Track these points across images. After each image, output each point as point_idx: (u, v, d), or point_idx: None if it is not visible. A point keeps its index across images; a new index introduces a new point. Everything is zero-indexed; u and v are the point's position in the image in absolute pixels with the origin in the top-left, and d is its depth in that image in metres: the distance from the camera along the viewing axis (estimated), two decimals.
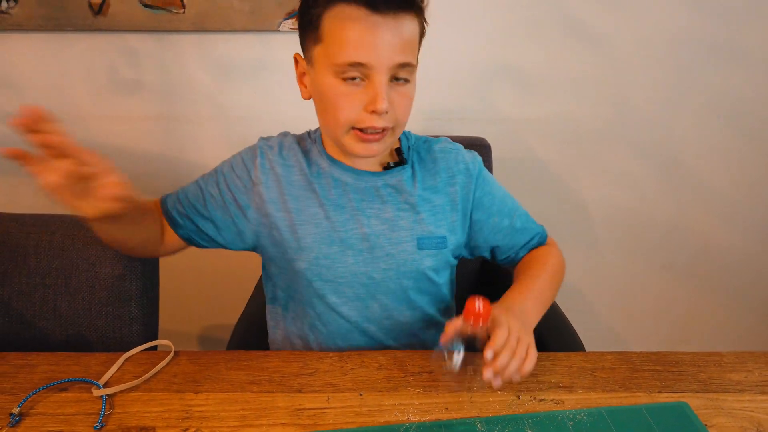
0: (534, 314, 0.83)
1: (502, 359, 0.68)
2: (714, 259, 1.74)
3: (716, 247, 1.72)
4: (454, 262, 0.97)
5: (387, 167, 0.91)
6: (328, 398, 0.75)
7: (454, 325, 0.71)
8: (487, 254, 0.98)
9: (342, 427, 0.71)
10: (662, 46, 1.47)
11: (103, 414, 0.71)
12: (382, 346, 0.93)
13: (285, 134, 0.94)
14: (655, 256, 1.73)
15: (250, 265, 1.43)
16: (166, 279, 1.65)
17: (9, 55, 1.42)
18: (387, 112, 0.77)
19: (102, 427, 0.69)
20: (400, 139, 0.93)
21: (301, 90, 0.86)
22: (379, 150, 0.82)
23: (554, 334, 0.98)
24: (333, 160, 0.89)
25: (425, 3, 0.80)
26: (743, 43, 1.47)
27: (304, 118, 1.51)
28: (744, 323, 1.84)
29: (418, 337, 0.95)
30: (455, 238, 0.93)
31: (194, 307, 1.74)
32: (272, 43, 1.43)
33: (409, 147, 0.93)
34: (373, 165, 0.90)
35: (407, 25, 0.77)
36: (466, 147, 0.97)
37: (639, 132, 1.56)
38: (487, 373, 0.68)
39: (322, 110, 0.83)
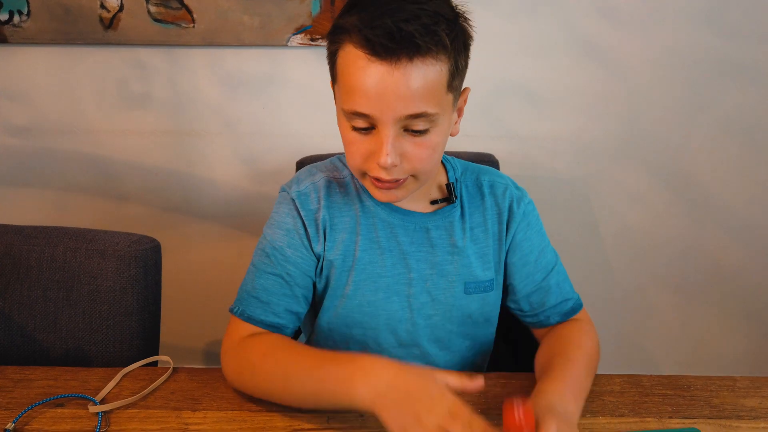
0: (577, 411, 0.70)
1: None
2: (728, 282, 1.71)
3: (730, 269, 1.69)
4: (500, 300, 0.90)
5: (434, 202, 0.84)
6: (328, 418, 0.73)
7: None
8: (513, 306, 0.90)
9: None
10: (674, 64, 1.46)
11: (99, 430, 0.69)
12: None
13: (311, 172, 0.85)
14: (668, 277, 1.70)
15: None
16: (169, 293, 1.65)
17: (21, 68, 1.43)
18: (395, 166, 0.70)
19: None
20: (446, 170, 0.86)
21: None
22: (403, 196, 0.75)
23: None
24: (381, 204, 0.82)
25: (457, 38, 0.69)
26: (756, 61, 1.45)
27: (312, 134, 1.52)
28: (760, 348, 1.80)
29: None
30: (501, 279, 0.88)
31: (197, 322, 1.73)
32: (281, 57, 1.44)
33: (456, 179, 0.85)
34: (421, 201, 0.83)
35: (422, 71, 0.66)
36: (473, 162, 0.92)
37: (651, 150, 1.54)
38: None
39: (344, 145, 0.76)
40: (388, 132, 0.68)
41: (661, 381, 0.81)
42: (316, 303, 0.87)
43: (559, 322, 0.87)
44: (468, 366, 0.92)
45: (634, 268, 1.68)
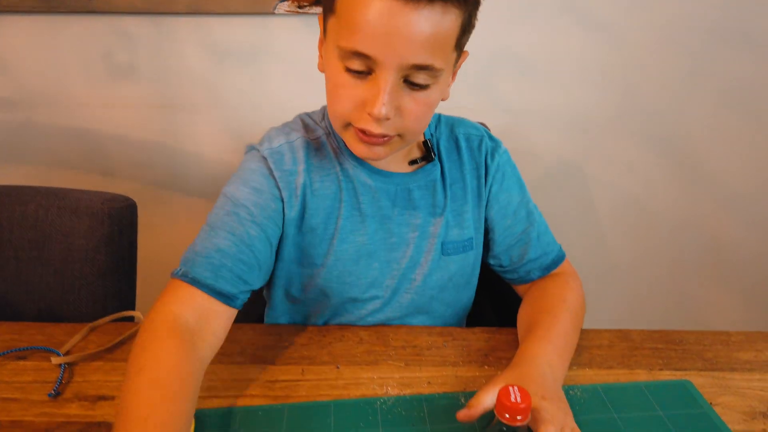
0: (563, 374, 0.66)
1: None
2: (724, 255, 1.67)
3: (727, 242, 1.65)
4: (480, 260, 0.86)
5: (413, 161, 0.78)
6: (303, 371, 0.70)
7: (476, 409, 0.58)
8: (493, 261, 0.85)
9: (315, 399, 0.66)
10: (673, 33, 1.42)
11: (60, 382, 0.66)
12: None
13: (285, 132, 0.77)
14: (663, 251, 1.66)
15: None
16: (154, 268, 1.62)
17: (1, 38, 1.40)
18: (388, 119, 0.63)
19: (57, 395, 0.65)
20: None
21: (318, 59, 0.71)
22: (385, 153, 0.68)
23: None
24: (357, 160, 0.75)
25: None
26: (756, 30, 1.41)
27: (301, 107, 1.49)
28: (756, 322, 1.76)
29: None
30: (481, 237, 0.83)
31: None
32: (269, 26, 1.40)
33: (431, 134, 0.80)
34: (401, 161, 0.78)
35: (439, 18, 0.59)
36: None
37: (648, 122, 1.51)
38: None
39: (327, 94, 0.68)
40: (388, 79, 0.61)
41: (651, 335, 0.78)
42: (291, 272, 0.79)
43: (540, 277, 0.82)
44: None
45: (629, 242, 1.65)
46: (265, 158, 0.73)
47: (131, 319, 0.80)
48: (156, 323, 0.62)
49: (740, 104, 1.48)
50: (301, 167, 0.74)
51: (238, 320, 0.92)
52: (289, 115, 1.49)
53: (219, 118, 1.51)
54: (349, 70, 0.62)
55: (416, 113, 0.65)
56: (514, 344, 0.75)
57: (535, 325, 0.71)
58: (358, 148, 0.68)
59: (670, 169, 1.56)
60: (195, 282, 0.65)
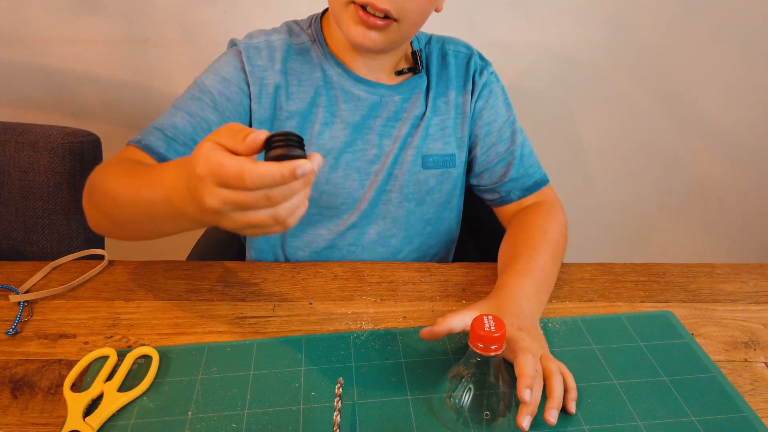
0: (540, 310, 0.64)
1: (535, 396, 0.51)
2: (713, 198, 1.65)
3: (715, 185, 1.63)
4: (463, 183, 0.85)
5: (401, 72, 0.77)
6: (274, 307, 0.68)
7: (440, 328, 0.56)
8: (474, 181, 0.84)
9: (286, 335, 0.63)
10: None
11: (18, 320, 0.63)
12: None
13: (267, 32, 0.76)
14: (652, 193, 1.64)
15: None
16: None
17: None
18: None
19: (16, 333, 0.62)
20: (411, 42, 0.80)
21: None
22: (380, 42, 0.67)
23: None
24: (343, 67, 0.75)
25: None
26: None
27: None
28: (747, 258, 1.77)
29: None
30: (465, 156, 0.82)
31: (158, 242, 1.67)
32: None
33: (420, 49, 0.79)
34: (384, 72, 0.77)
35: None
36: None
37: (638, 58, 1.46)
38: (525, 421, 0.50)
39: None
40: None
41: (635, 268, 0.76)
42: None
43: (521, 198, 0.81)
44: (431, 258, 0.87)
45: (617, 184, 1.63)
46: (240, 51, 0.73)
47: (100, 258, 0.76)
48: (102, 166, 0.66)
49: (732, 42, 1.43)
50: (277, 67, 0.73)
51: (212, 257, 0.90)
52: None
53: (192, 55, 1.44)
54: None
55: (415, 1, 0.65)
56: (493, 279, 0.73)
57: (516, 258, 0.69)
58: (355, 31, 0.67)
59: (659, 107, 1.51)
60: (147, 148, 0.67)
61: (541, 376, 0.53)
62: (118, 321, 0.65)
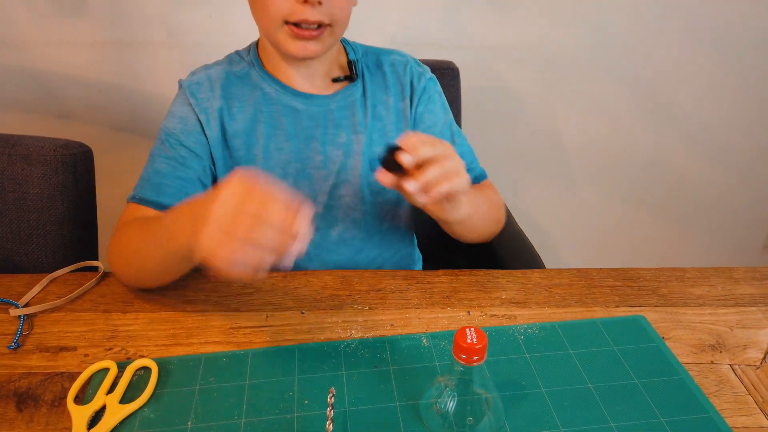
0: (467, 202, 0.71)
1: (430, 172, 0.60)
2: (691, 196, 1.70)
3: (694, 183, 1.68)
4: None
5: (336, 80, 0.83)
6: (267, 317, 0.70)
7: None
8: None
9: (279, 344, 0.66)
10: None
11: (20, 334, 0.65)
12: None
13: (207, 66, 0.84)
14: (631, 191, 1.69)
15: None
16: (107, 201, 1.59)
17: None
18: (320, 3, 0.70)
19: (18, 347, 0.64)
20: (346, 51, 0.86)
21: None
22: (317, 50, 0.75)
23: (512, 253, 0.94)
24: (280, 84, 0.81)
25: None
26: None
27: None
28: (720, 263, 1.83)
29: (375, 263, 0.90)
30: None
31: None
32: None
33: (357, 59, 0.85)
34: (322, 82, 0.83)
35: None
36: (432, 71, 0.89)
37: (617, 59, 1.49)
38: (411, 185, 0.59)
39: (254, 9, 0.75)
40: None
41: (610, 273, 0.80)
42: None
43: None
44: (396, 252, 0.92)
45: (597, 182, 1.67)
46: (184, 89, 0.81)
47: (95, 269, 0.79)
48: (121, 224, 0.74)
49: (710, 41, 1.47)
50: (218, 93, 0.80)
51: (201, 270, 0.92)
52: None
53: (178, 57, 1.45)
54: None
55: (340, 2, 0.72)
56: (477, 285, 0.76)
57: None
58: (293, 47, 0.73)
59: (638, 107, 1.56)
60: (142, 201, 0.75)
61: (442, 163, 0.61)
62: (116, 333, 0.67)
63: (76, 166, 0.87)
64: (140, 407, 0.57)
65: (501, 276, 0.79)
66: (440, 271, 0.80)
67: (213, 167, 0.82)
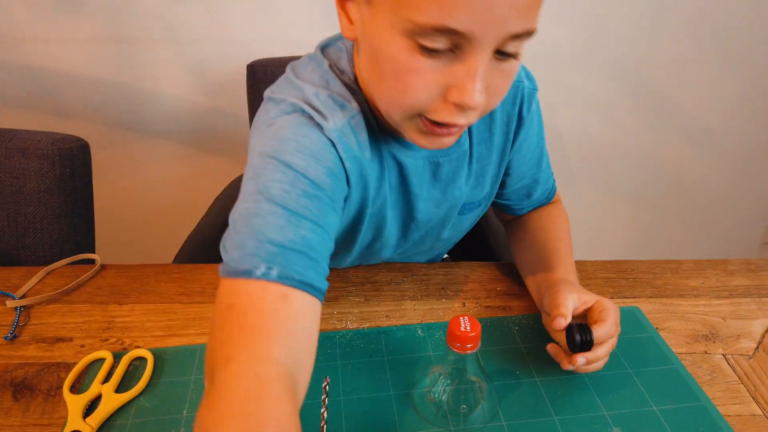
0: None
1: (601, 352, 0.58)
2: (688, 192, 1.71)
3: (690, 179, 1.68)
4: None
5: None
6: None
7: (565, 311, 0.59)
8: (498, 200, 0.82)
9: None
10: None
11: (16, 325, 0.66)
12: None
13: (339, 102, 0.59)
14: (629, 186, 1.69)
15: (202, 184, 1.37)
16: (117, 213, 1.59)
17: None
18: (477, 107, 0.49)
19: (14, 337, 0.65)
20: None
21: (341, 22, 0.54)
22: (451, 143, 0.56)
23: (509, 246, 0.94)
24: (390, 135, 0.63)
25: None
26: None
27: (261, 40, 1.44)
28: (720, 258, 1.83)
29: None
30: (495, 190, 0.77)
31: (138, 227, 1.68)
32: None
33: None
34: None
35: None
36: None
37: (614, 56, 1.50)
38: (580, 360, 0.57)
39: (377, 75, 0.52)
40: (484, 57, 0.47)
41: (605, 265, 0.80)
42: None
43: (531, 210, 0.82)
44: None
45: (595, 178, 1.67)
46: (332, 142, 0.57)
47: (92, 262, 0.79)
48: (245, 380, 0.43)
49: (706, 37, 1.47)
50: (367, 153, 0.61)
51: (200, 256, 0.92)
52: (249, 51, 1.44)
53: (176, 53, 1.45)
54: (424, 49, 0.47)
55: (503, 89, 0.52)
56: (472, 277, 0.77)
57: (557, 254, 0.73)
58: (425, 141, 0.55)
59: (635, 103, 1.56)
60: (307, 286, 0.48)
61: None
62: (112, 324, 0.67)
63: (73, 160, 0.87)
64: (136, 396, 0.58)
65: (496, 268, 0.79)
66: (435, 264, 0.80)
67: None
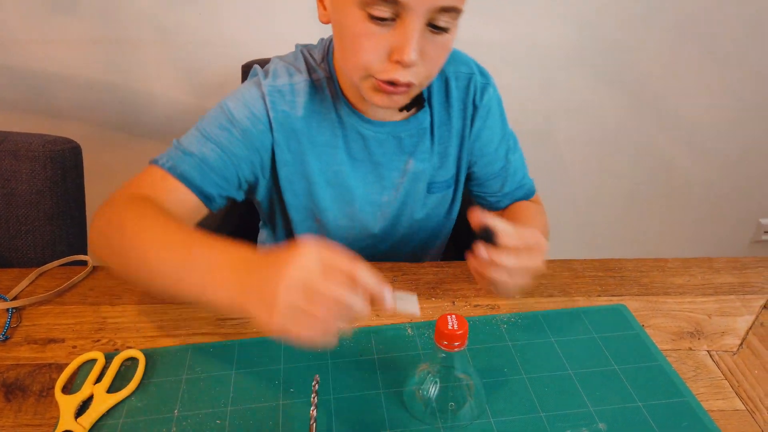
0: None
1: (506, 258, 0.59)
2: (680, 188, 1.72)
3: (682, 176, 1.70)
4: (461, 195, 0.91)
5: (403, 109, 0.77)
6: None
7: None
8: (474, 189, 0.90)
9: (266, 335, 0.67)
10: None
11: (8, 326, 0.66)
12: None
13: (289, 71, 0.75)
14: (620, 186, 1.71)
15: None
16: (96, 198, 1.59)
17: None
18: (415, 65, 0.62)
19: (6, 339, 0.65)
20: None
21: (318, 10, 0.69)
22: (401, 103, 0.69)
23: None
24: (352, 110, 0.76)
25: None
26: None
27: (254, 41, 1.44)
28: (708, 254, 1.84)
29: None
30: (464, 173, 0.87)
31: None
32: None
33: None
34: (389, 110, 0.77)
35: None
36: None
37: (606, 57, 1.51)
38: (483, 253, 0.59)
39: (340, 45, 0.69)
40: (417, 24, 0.60)
41: (593, 264, 0.81)
42: (277, 214, 0.85)
43: (509, 204, 0.89)
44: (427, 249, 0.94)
45: (587, 178, 1.68)
46: (264, 95, 0.73)
47: (84, 264, 0.79)
48: (128, 197, 0.65)
49: (696, 37, 1.49)
50: (300, 113, 0.74)
51: None
52: (242, 53, 1.45)
53: (168, 55, 1.45)
54: (372, 18, 0.60)
55: (437, 59, 0.65)
56: (462, 277, 0.78)
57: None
58: (377, 98, 0.67)
59: (626, 103, 1.57)
60: (182, 178, 0.68)
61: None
62: (104, 325, 0.68)
63: (64, 162, 0.88)
64: (127, 396, 0.58)
65: None
66: (425, 264, 0.81)
67: (261, 177, 0.78)
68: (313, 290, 0.46)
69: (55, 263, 0.78)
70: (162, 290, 0.58)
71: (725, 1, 1.44)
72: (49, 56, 1.42)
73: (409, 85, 0.65)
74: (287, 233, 0.87)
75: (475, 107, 0.81)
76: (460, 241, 1.03)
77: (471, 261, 0.62)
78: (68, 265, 0.79)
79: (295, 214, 0.82)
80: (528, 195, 0.89)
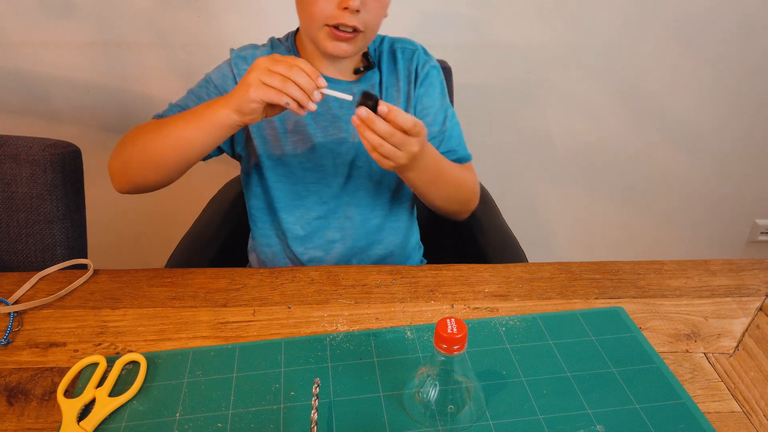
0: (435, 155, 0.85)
1: (380, 125, 0.70)
2: (673, 191, 1.73)
3: (676, 178, 1.71)
4: None
5: (357, 71, 0.92)
6: (254, 312, 0.72)
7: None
8: None
9: (266, 338, 0.68)
10: None
11: (10, 330, 0.67)
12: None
13: (255, 46, 0.94)
14: (616, 187, 1.71)
15: (194, 189, 1.38)
16: (108, 219, 1.59)
17: None
18: (358, 11, 0.78)
19: (8, 343, 0.65)
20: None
21: None
22: (350, 51, 0.83)
23: (496, 248, 0.95)
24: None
25: None
26: None
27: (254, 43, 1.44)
28: (702, 257, 1.85)
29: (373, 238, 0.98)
30: None
31: (131, 232, 1.68)
32: None
33: (375, 49, 0.95)
34: (346, 72, 0.92)
35: None
36: None
37: (601, 58, 1.52)
38: (355, 119, 0.71)
39: (300, 5, 0.84)
40: None
41: (590, 266, 0.82)
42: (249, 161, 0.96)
43: None
44: (407, 233, 1.01)
45: (583, 179, 1.69)
46: (230, 59, 0.91)
47: (84, 267, 0.80)
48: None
49: (689, 39, 1.50)
50: None
51: (194, 260, 0.93)
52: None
53: (166, 58, 1.46)
54: None
55: (375, 10, 0.82)
56: (460, 279, 0.78)
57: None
58: (330, 46, 0.83)
59: (621, 105, 1.58)
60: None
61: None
62: (105, 329, 0.68)
63: (64, 166, 0.88)
64: (129, 400, 0.59)
65: (484, 270, 0.81)
66: (424, 266, 0.81)
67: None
68: (273, 62, 0.69)
69: (56, 267, 0.78)
70: (179, 146, 0.78)
71: (720, 2, 1.45)
72: (47, 59, 1.42)
73: (356, 30, 0.80)
74: (263, 188, 0.96)
75: (416, 74, 0.95)
76: (455, 243, 1.04)
77: (353, 120, 0.72)
78: (69, 269, 0.79)
79: (266, 161, 0.92)
80: (461, 160, 0.97)
